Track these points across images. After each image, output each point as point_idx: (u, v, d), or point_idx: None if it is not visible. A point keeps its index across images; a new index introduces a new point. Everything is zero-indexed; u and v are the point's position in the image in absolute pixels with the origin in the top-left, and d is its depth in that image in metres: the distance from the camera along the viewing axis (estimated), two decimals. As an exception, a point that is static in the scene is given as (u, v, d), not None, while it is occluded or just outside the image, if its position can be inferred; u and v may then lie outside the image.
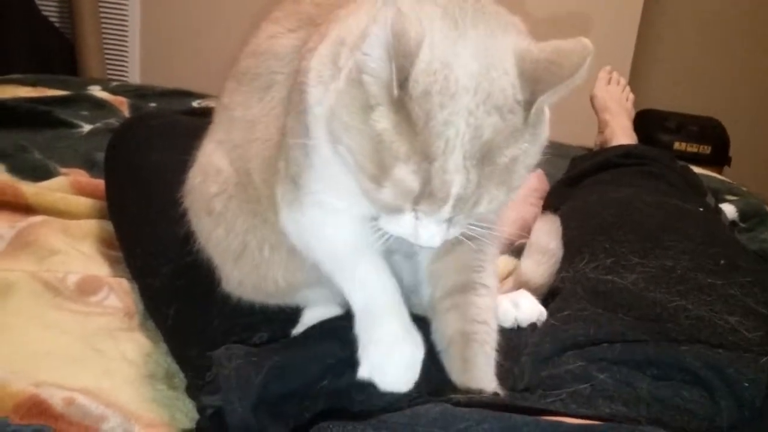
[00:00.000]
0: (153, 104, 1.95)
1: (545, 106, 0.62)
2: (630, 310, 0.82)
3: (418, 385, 0.70)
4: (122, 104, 1.89)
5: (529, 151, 0.61)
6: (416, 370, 0.70)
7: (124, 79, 2.92)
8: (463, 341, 0.75)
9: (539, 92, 0.58)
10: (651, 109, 2.84)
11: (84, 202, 1.29)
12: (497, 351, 0.77)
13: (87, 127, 1.70)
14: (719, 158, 2.79)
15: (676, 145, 2.77)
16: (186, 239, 0.89)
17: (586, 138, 1.98)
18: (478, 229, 0.66)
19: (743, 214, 1.49)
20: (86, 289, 1.04)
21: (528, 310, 0.87)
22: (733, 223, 1.47)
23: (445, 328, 0.77)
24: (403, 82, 0.56)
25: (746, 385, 0.67)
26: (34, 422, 0.77)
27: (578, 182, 1.36)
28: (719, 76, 3.05)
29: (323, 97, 0.64)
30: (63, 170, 1.43)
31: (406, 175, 0.58)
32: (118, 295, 1.05)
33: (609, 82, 1.89)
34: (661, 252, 0.93)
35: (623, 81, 1.92)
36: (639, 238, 0.98)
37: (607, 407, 0.66)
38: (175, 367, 0.92)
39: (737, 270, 0.91)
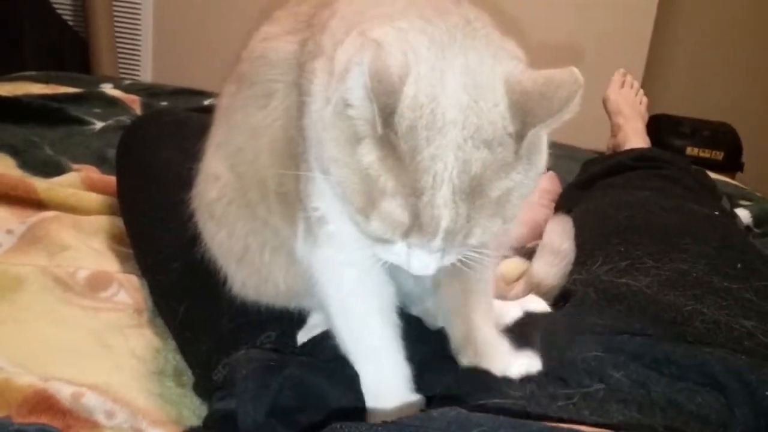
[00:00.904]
0: (164, 103, 1.96)
1: (542, 135, 0.60)
2: (644, 313, 0.81)
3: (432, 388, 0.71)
4: (134, 102, 1.89)
5: (523, 182, 0.59)
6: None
7: (137, 77, 2.93)
8: (463, 303, 0.76)
9: (530, 125, 0.57)
10: (664, 114, 2.82)
11: (95, 198, 1.29)
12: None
13: (99, 125, 1.71)
14: (732, 164, 2.77)
15: (689, 150, 2.76)
16: (196, 236, 0.89)
17: (598, 141, 1.96)
18: (475, 255, 0.65)
19: (757, 220, 1.48)
20: (96, 284, 1.03)
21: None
22: (747, 228, 1.45)
23: (446, 294, 0.78)
24: (387, 119, 0.56)
25: (767, 393, 0.66)
26: (42, 418, 0.77)
27: (591, 185, 1.35)
28: (732, 82, 3.03)
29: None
30: (75, 166, 1.43)
31: (393, 208, 0.57)
32: (128, 291, 1.04)
33: (623, 85, 1.87)
34: (676, 255, 0.92)
35: (637, 84, 1.91)
36: (654, 241, 0.97)
37: (620, 413, 0.65)
38: (184, 365, 0.92)
39: (753, 274, 0.90)
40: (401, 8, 0.63)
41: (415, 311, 0.85)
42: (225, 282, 0.87)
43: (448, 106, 0.57)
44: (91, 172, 1.41)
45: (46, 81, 1.91)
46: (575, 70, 0.58)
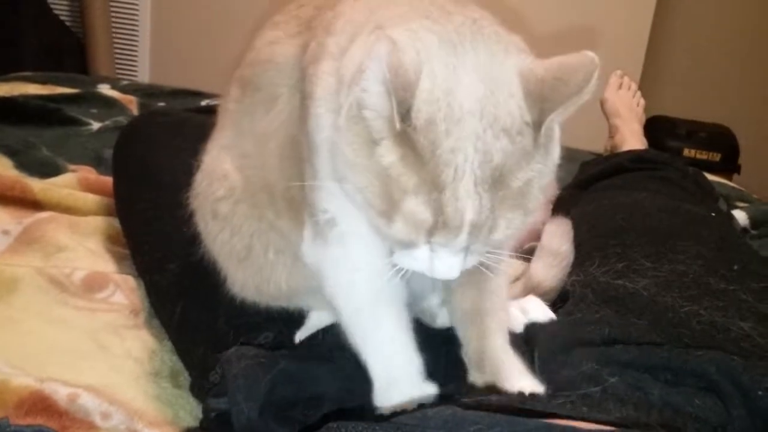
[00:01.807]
0: (162, 103, 1.95)
1: (555, 124, 0.60)
2: (641, 314, 0.81)
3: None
4: (131, 103, 1.89)
5: (543, 171, 0.59)
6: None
7: (134, 78, 2.93)
8: (478, 313, 0.76)
9: (547, 111, 0.57)
10: (661, 116, 2.83)
11: (91, 199, 1.29)
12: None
13: (96, 125, 1.71)
14: (729, 165, 2.78)
15: (686, 152, 2.76)
16: (194, 237, 0.89)
17: (595, 143, 1.97)
18: (494, 258, 0.64)
19: (754, 221, 1.48)
20: (92, 285, 1.03)
21: (537, 315, 0.86)
22: (744, 229, 1.45)
23: (461, 302, 0.77)
24: (405, 115, 0.55)
25: (760, 394, 0.66)
26: (38, 419, 0.77)
27: (588, 186, 1.35)
28: (730, 84, 3.04)
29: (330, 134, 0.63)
30: (71, 167, 1.43)
31: (416, 207, 0.56)
32: (124, 292, 1.04)
33: (620, 86, 1.87)
34: (673, 257, 0.92)
35: (634, 86, 1.91)
36: (651, 242, 0.97)
37: (617, 411, 0.65)
38: (180, 366, 0.92)
39: (750, 275, 0.90)
40: (406, 11, 0.63)
41: (412, 311, 0.84)
42: (223, 282, 0.87)
43: (464, 98, 0.56)
44: (88, 173, 1.41)
45: (43, 81, 1.91)
46: (590, 52, 0.57)
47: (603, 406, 0.66)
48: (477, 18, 0.63)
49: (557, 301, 0.93)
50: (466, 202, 0.56)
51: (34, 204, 1.24)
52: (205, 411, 0.79)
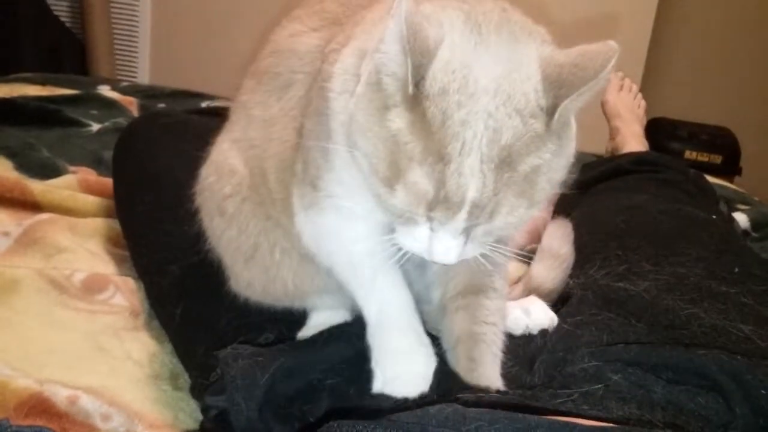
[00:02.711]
0: (162, 105, 1.95)
1: (571, 115, 0.60)
2: (642, 317, 0.81)
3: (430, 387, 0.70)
4: (131, 104, 1.89)
5: (553, 163, 0.58)
6: (428, 382, 0.71)
7: (134, 79, 2.93)
8: (471, 341, 0.75)
9: (563, 97, 0.57)
10: (662, 118, 2.83)
11: (91, 200, 1.29)
12: (504, 353, 0.77)
13: (96, 126, 1.71)
14: (730, 168, 2.78)
15: (687, 154, 2.76)
16: (194, 238, 0.89)
17: (596, 145, 1.97)
18: (495, 253, 0.64)
19: (755, 224, 1.48)
20: (92, 287, 1.03)
21: (539, 316, 0.86)
22: (745, 232, 1.45)
23: (453, 327, 0.77)
24: (419, 81, 0.55)
25: (764, 392, 0.66)
26: (38, 421, 0.77)
27: (590, 188, 1.35)
28: (730, 86, 3.04)
29: (347, 105, 0.63)
30: (71, 168, 1.43)
31: (419, 177, 0.56)
32: (124, 294, 1.04)
33: (621, 88, 1.87)
34: (674, 259, 0.92)
35: (635, 88, 1.91)
36: (651, 245, 0.97)
37: (620, 409, 0.65)
38: (180, 368, 0.92)
39: (751, 278, 0.90)
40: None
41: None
42: (224, 283, 0.87)
43: (481, 74, 0.56)
44: (88, 174, 1.40)
45: (43, 83, 1.90)
46: (610, 41, 0.57)
47: (605, 404, 0.66)
48: (506, 7, 0.64)
49: (557, 303, 0.92)
50: (470, 179, 0.55)
51: (34, 205, 1.23)
52: (204, 409, 0.78)
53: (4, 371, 0.82)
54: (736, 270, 0.92)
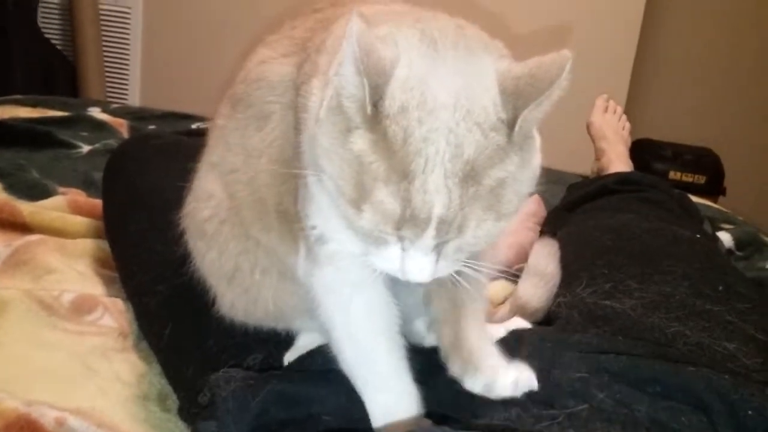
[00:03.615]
0: (152, 126, 1.96)
1: (532, 126, 0.60)
2: (628, 335, 0.81)
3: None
4: (122, 126, 1.89)
5: (518, 175, 0.59)
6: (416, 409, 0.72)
7: (124, 101, 2.93)
8: (453, 307, 0.75)
9: (521, 108, 0.57)
10: (646, 139, 2.87)
11: (81, 222, 1.28)
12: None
13: (86, 148, 1.71)
14: (714, 188, 2.81)
15: (671, 175, 2.79)
16: (182, 259, 0.89)
17: (582, 165, 1.99)
18: (470, 269, 0.64)
19: (739, 243, 1.49)
20: (81, 308, 1.03)
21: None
22: (729, 251, 1.47)
23: (437, 306, 0.77)
24: (378, 101, 0.56)
25: (750, 413, 0.66)
26: (24, 443, 0.76)
27: (575, 208, 1.37)
28: (714, 107, 3.08)
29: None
30: (61, 190, 1.43)
31: (385, 196, 0.56)
32: (113, 314, 1.04)
33: (606, 110, 1.90)
34: (659, 278, 0.93)
35: (620, 109, 1.94)
36: (637, 263, 0.98)
37: (604, 430, 0.65)
38: (168, 389, 0.91)
39: (736, 296, 0.91)
40: (396, 19, 0.64)
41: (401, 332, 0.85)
42: (212, 304, 0.87)
43: (439, 90, 0.57)
44: (78, 196, 1.40)
45: (34, 104, 1.91)
46: (565, 50, 0.58)
47: (590, 427, 0.66)
48: (462, 23, 0.65)
49: (544, 321, 0.93)
50: (435, 195, 0.55)
51: (23, 227, 1.23)
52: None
53: (-9, 393, 0.82)
54: (721, 288, 0.92)
